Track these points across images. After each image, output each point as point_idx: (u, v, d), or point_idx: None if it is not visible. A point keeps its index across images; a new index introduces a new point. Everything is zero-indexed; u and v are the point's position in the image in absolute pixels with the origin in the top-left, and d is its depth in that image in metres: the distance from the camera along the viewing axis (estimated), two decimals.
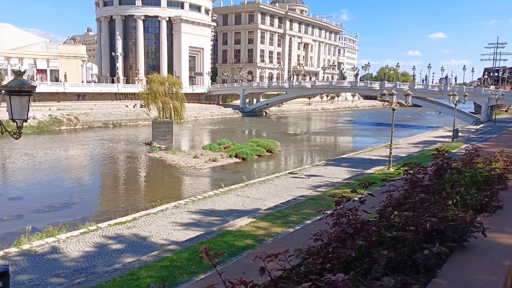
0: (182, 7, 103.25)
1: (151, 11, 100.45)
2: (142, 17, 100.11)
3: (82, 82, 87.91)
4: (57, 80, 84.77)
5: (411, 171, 4.11)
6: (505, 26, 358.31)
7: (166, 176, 32.28)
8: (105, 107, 74.84)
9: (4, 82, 6.78)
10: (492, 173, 4.47)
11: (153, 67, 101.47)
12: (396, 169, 23.75)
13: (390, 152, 26.84)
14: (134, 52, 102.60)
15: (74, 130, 59.87)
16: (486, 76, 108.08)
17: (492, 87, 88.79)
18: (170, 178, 31.70)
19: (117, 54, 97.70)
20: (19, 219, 20.38)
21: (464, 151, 5.84)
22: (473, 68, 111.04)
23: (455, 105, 46.07)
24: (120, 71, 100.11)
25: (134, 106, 76.66)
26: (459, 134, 45.61)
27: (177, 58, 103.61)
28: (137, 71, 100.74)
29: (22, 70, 7.52)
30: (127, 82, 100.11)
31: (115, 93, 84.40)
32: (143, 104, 57.07)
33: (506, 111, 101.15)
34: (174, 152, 39.62)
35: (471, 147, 5.92)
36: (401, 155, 33.20)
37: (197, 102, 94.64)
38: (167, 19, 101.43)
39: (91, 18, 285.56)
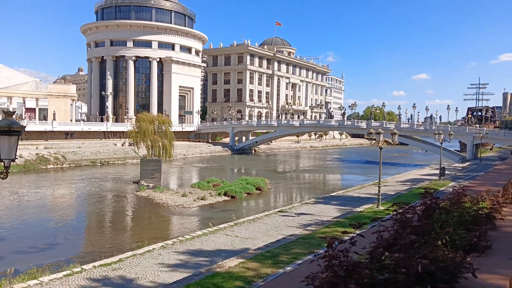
0: (173, 49, 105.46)
1: (142, 52, 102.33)
2: (133, 58, 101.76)
3: (71, 120, 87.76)
4: (45, 118, 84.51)
5: (400, 211, 4.14)
6: (485, 67, 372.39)
7: (154, 216, 31.74)
8: (93, 145, 74.42)
9: None
10: (480, 212, 4.52)
11: (143, 106, 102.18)
12: (385, 209, 23.79)
13: (379, 190, 26.92)
14: (124, 91, 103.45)
15: (61, 168, 59.08)
16: (470, 115, 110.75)
17: (476, 126, 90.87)
18: (157, 217, 31.17)
19: (107, 93, 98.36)
20: (1, 260, 19.67)
21: (451, 190, 5.91)
22: (456, 108, 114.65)
23: (441, 143, 46.84)
24: (109, 110, 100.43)
25: (122, 145, 76.37)
26: (446, 172, 46.06)
27: (167, 97, 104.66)
28: (126, 110, 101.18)
29: (12, 110, 7.53)
30: (117, 120, 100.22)
31: (104, 131, 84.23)
32: (131, 143, 56.90)
33: (491, 149, 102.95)
34: (162, 191, 39.18)
35: (458, 186, 6.01)
36: (390, 193, 33.29)
37: (187, 140, 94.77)
38: (158, 59, 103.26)
39: (82, 59, 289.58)
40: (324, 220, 23.05)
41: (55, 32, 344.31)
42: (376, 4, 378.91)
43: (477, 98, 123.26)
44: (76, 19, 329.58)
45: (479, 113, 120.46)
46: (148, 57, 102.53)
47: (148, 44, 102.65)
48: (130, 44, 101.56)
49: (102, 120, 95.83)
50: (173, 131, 55.90)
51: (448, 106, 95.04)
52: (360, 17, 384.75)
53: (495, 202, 5.02)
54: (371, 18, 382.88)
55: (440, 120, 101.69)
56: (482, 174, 18.99)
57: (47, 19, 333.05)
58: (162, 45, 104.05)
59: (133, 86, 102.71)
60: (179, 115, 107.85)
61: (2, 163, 6.65)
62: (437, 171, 44.89)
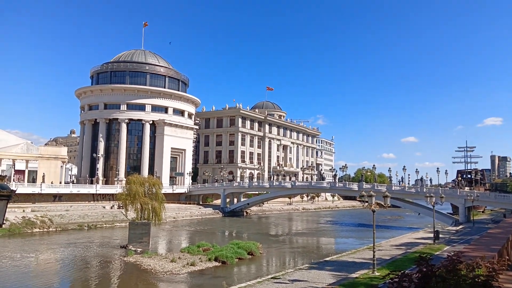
0: (166, 112, 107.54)
1: (136, 115, 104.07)
2: (126, 121, 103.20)
3: (60, 183, 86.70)
4: (34, 181, 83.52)
5: (396, 279, 4.06)
6: (471, 131, 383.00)
7: (141, 283, 30.47)
8: (82, 208, 72.97)
9: None
10: (476, 280, 4.44)
11: (134, 167, 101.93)
12: (382, 275, 23.13)
13: (374, 255, 26.35)
14: (115, 153, 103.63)
15: (47, 232, 57.30)
16: (460, 178, 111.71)
17: (466, 188, 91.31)
18: (144, 285, 29.91)
19: (98, 155, 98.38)
20: None
21: (447, 254, 5.83)
22: (446, 170, 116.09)
23: (433, 206, 46.75)
24: (100, 172, 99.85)
25: (111, 207, 75.02)
26: (440, 235, 45.59)
27: (158, 159, 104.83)
28: (117, 172, 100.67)
29: (1, 172, 7.48)
30: (107, 182, 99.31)
31: (93, 194, 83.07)
32: (121, 205, 55.92)
33: (483, 211, 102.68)
34: (150, 256, 37.96)
35: (453, 251, 5.93)
36: (385, 257, 32.58)
37: (177, 202, 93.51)
38: (151, 122, 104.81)
39: (75, 121, 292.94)
40: (318, 287, 22.28)
41: (48, 96, 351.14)
42: (364, 68, 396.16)
43: (466, 161, 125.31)
44: (70, 83, 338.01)
45: (469, 176, 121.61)
46: (141, 120, 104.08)
47: (141, 107, 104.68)
48: (123, 107, 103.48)
49: (92, 182, 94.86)
50: (164, 193, 55.35)
51: (437, 168, 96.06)
52: (348, 82, 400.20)
53: (491, 269, 4.93)
54: (359, 82, 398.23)
55: (431, 182, 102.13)
56: (477, 238, 18.83)
57: (41, 83, 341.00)
58: (155, 108, 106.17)
59: (124, 148, 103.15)
60: (170, 177, 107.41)
61: None
62: (431, 235, 44.38)
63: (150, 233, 45.84)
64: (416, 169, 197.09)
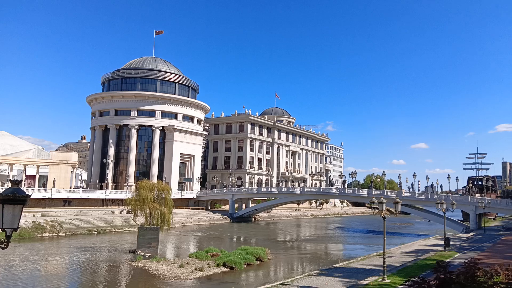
0: (176, 118, 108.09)
1: (146, 121, 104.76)
2: (136, 127, 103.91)
3: (70, 188, 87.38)
4: (45, 186, 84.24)
5: (416, 286, 4.01)
6: (483, 137, 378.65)
7: None
8: (91, 213, 73.39)
9: None
10: (495, 287, 4.36)
11: (143, 173, 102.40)
12: (400, 284, 22.83)
13: (384, 262, 26.08)
14: (125, 159, 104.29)
15: (56, 237, 57.68)
16: (471, 185, 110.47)
17: (477, 195, 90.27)
18: None
19: (108, 160, 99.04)
20: None
21: (458, 261, 5.74)
22: (457, 177, 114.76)
23: (444, 213, 46.22)
24: (109, 177, 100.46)
25: (120, 212, 75.36)
26: (451, 242, 44.97)
27: (168, 165, 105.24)
28: (127, 177, 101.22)
29: (14, 178, 7.56)
30: (116, 188, 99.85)
31: (103, 199, 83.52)
32: (130, 210, 56.13)
33: (494, 219, 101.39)
34: (159, 261, 37.97)
35: (467, 258, 5.85)
36: (395, 264, 32.23)
37: (185, 208, 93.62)
38: (161, 128, 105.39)
39: (85, 127, 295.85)
40: None
41: (60, 102, 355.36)
42: (374, 75, 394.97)
43: (477, 167, 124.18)
44: (81, 90, 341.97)
45: (480, 183, 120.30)
46: (151, 126, 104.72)
47: (151, 114, 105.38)
48: (134, 113, 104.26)
49: (101, 188, 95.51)
50: (173, 199, 55.45)
51: (448, 175, 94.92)
52: (358, 88, 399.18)
53: (510, 276, 4.85)
54: (369, 88, 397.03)
55: (441, 189, 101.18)
56: (490, 246, 18.55)
57: (53, 90, 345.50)
58: (165, 115, 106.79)
59: (134, 153, 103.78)
60: (179, 182, 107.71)
61: (4, 232, 6.54)
62: (442, 242, 43.82)
63: (159, 238, 45.89)
64: (427, 176, 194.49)
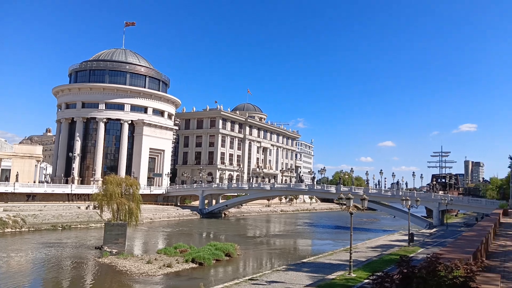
0: (146, 112, 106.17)
1: (114, 114, 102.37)
2: (104, 120, 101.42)
3: (34, 182, 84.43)
4: (7, 179, 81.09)
5: (379, 280, 4.06)
6: (447, 136, 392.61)
7: (115, 285, 29.88)
8: (56, 208, 71.19)
9: None
10: (455, 281, 4.47)
11: (111, 167, 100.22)
12: (364, 278, 23.31)
13: (350, 257, 26.58)
14: (92, 153, 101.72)
15: (19, 232, 55.66)
16: (435, 182, 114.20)
17: (440, 192, 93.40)
18: (119, 286, 29.37)
19: (74, 154, 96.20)
20: None
21: (421, 256, 5.88)
22: (421, 174, 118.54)
23: (408, 209, 47.57)
24: (75, 172, 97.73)
25: (87, 208, 73.50)
26: (415, 238, 46.38)
27: (136, 159, 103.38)
28: (93, 172, 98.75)
29: None
30: (82, 182, 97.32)
31: (68, 194, 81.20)
32: (96, 206, 54.83)
33: (456, 215, 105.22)
34: (126, 257, 37.31)
35: (429, 253, 5.99)
36: (361, 259, 32.92)
37: (154, 203, 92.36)
38: (130, 122, 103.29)
39: (51, 119, 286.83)
40: None
41: (24, 94, 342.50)
42: (344, 74, 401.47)
43: (440, 165, 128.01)
44: (47, 81, 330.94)
45: (443, 180, 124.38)
46: (119, 119, 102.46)
47: (120, 107, 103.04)
48: (102, 106, 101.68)
49: (67, 182, 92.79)
50: (141, 194, 54.60)
51: (413, 173, 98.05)
52: (329, 86, 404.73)
53: (469, 271, 5.00)
54: (340, 87, 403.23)
55: (406, 186, 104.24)
56: (452, 241, 19.21)
57: (17, 81, 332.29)
58: (134, 108, 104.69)
59: (102, 147, 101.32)
60: (148, 177, 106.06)
61: None
62: (406, 237, 45.14)
63: (126, 234, 45.04)
64: (393, 173, 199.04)
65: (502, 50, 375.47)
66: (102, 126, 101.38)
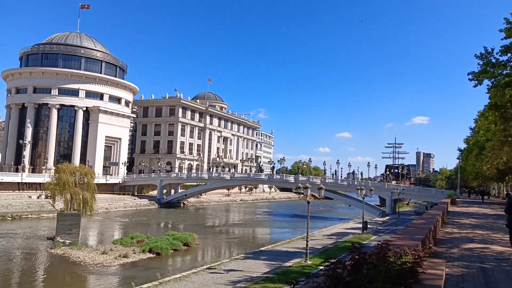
0: (102, 98, 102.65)
1: (68, 100, 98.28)
2: (57, 106, 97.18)
3: None
4: None
5: (332, 266, 4.18)
6: (401, 128, 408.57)
7: (68, 276, 28.97)
8: (5, 197, 67.77)
9: None
10: (404, 266, 4.67)
11: (64, 156, 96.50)
12: (317, 264, 23.91)
13: (307, 245, 27.19)
14: (44, 141, 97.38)
15: None
16: (388, 172, 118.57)
17: (393, 182, 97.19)
18: (72, 277, 28.48)
19: (25, 142, 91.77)
20: None
21: (374, 243, 6.10)
22: (376, 165, 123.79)
23: (363, 198, 49.19)
24: (26, 160, 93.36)
25: (38, 197, 70.53)
26: (368, 226, 48.07)
27: (91, 148, 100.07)
28: (46, 160, 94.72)
29: None
30: (34, 171, 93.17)
31: (19, 183, 77.51)
32: (49, 195, 52.72)
33: (407, 204, 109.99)
34: (80, 248, 36.24)
35: (381, 240, 6.23)
36: (317, 247, 33.76)
37: (110, 193, 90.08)
38: (85, 108, 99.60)
39: (0, 105, 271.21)
40: (253, 276, 22.57)
41: None
42: (304, 65, 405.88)
43: (394, 156, 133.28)
44: None
45: (396, 171, 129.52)
46: (74, 106, 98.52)
47: (75, 93, 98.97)
48: (55, 92, 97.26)
49: (17, 170, 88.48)
50: (96, 183, 53.10)
51: (368, 163, 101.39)
52: (290, 77, 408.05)
53: (416, 256, 5.25)
54: (300, 78, 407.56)
55: (362, 176, 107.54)
56: (402, 229, 20.07)
57: None
58: (90, 94, 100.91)
59: (55, 135, 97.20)
60: (104, 166, 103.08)
61: None
62: (360, 225, 46.70)
63: (80, 225, 43.69)
64: (349, 163, 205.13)
65: (455, 47, 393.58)
66: (55, 113, 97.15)
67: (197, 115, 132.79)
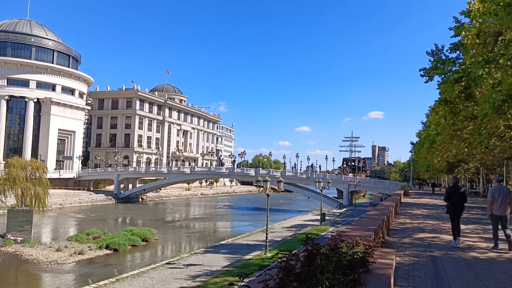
0: (54, 89, 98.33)
1: (18, 91, 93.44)
2: (6, 97, 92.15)
3: None
4: None
5: (285, 258, 4.31)
6: (357, 123, 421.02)
7: (21, 274, 27.81)
8: None
9: None
10: (355, 256, 4.90)
11: (14, 149, 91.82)
12: (273, 255, 24.33)
13: (266, 237, 27.57)
14: None
15: None
16: (345, 165, 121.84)
17: (350, 175, 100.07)
18: (25, 276, 27.36)
19: None
20: None
21: (331, 234, 6.36)
22: (334, 158, 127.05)
23: (321, 190, 50.37)
24: None
25: None
26: (326, 217, 49.31)
27: (43, 141, 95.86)
28: None
29: None
30: None
31: None
32: None
33: (363, 196, 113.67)
34: (32, 245, 34.82)
35: (336, 232, 6.49)
36: (277, 239, 34.29)
37: (65, 188, 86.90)
38: (36, 100, 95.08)
39: None
40: (213, 270, 22.64)
41: None
42: (265, 60, 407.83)
43: (351, 150, 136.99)
44: None
45: (353, 163, 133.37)
46: (24, 97, 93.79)
47: (25, 83, 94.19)
48: (3, 82, 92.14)
49: None
50: (49, 178, 51.10)
51: (326, 156, 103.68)
52: (250, 71, 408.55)
53: (367, 247, 5.51)
54: (260, 72, 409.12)
55: (320, 169, 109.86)
56: (357, 220, 20.79)
57: None
58: (41, 85, 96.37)
59: (4, 127, 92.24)
60: (57, 160, 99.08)
61: None
62: (319, 217, 47.82)
63: (33, 221, 41.95)
64: (308, 157, 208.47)
65: (410, 44, 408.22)
66: (3, 104, 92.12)
67: (155, 108, 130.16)
